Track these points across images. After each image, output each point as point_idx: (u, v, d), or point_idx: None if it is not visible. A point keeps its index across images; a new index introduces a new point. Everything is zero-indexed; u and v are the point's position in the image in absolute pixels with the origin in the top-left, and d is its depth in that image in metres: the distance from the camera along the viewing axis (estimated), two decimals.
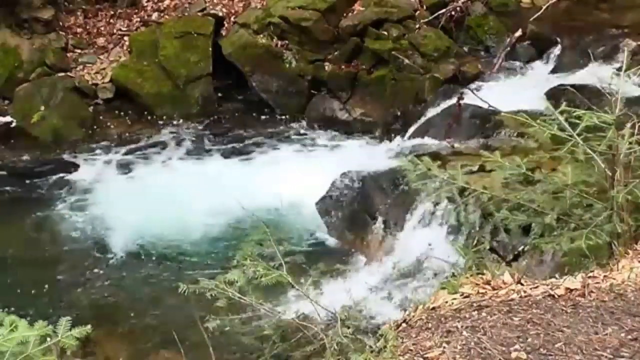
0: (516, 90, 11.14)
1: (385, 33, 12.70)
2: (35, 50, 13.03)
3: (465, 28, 12.92)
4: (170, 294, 8.33)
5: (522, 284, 4.13)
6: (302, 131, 12.69)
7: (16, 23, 13.13)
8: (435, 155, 8.34)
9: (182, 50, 13.09)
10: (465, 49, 12.85)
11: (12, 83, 12.80)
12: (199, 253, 10.05)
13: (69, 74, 13.11)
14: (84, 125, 12.76)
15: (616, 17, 12.19)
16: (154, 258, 9.99)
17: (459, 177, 5.26)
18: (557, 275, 4.36)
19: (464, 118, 10.91)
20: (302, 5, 13.04)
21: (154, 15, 13.94)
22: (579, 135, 4.78)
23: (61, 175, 11.83)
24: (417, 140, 11.10)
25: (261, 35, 13.04)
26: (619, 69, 5.77)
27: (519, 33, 12.42)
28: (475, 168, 7.47)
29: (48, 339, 3.54)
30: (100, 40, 13.70)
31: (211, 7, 13.89)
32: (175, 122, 12.94)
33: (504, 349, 3.52)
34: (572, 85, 10.50)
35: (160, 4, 14.07)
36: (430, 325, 3.80)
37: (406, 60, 12.38)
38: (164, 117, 13.00)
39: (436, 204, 8.51)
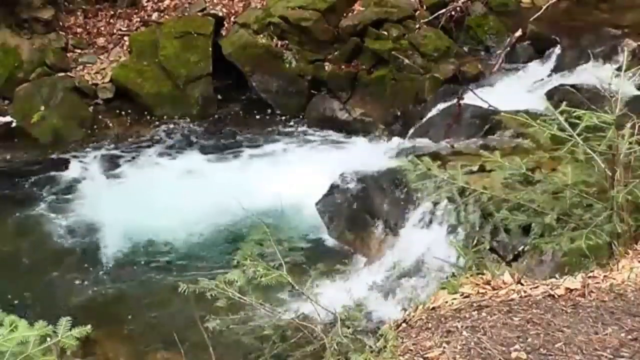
0: (516, 90, 11.15)
1: (385, 33, 12.70)
2: (35, 50, 13.03)
3: (465, 28, 12.91)
4: (171, 294, 8.33)
5: (522, 284, 4.12)
6: (302, 131, 12.68)
7: (16, 23, 13.13)
8: (435, 155, 8.34)
9: (182, 50, 13.09)
10: (465, 49, 12.85)
11: (12, 83, 12.80)
12: (199, 253, 10.05)
13: (69, 74, 13.11)
14: (84, 125, 12.76)
15: (616, 17, 12.19)
16: (154, 258, 9.99)
17: (459, 177, 5.26)
18: (557, 275, 4.36)
19: (464, 118, 10.91)
20: (302, 5, 13.04)
21: (154, 15, 13.94)
22: (579, 135, 4.77)
23: (61, 175, 11.82)
24: (417, 140, 11.10)
25: (261, 35, 13.04)
26: (619, 69, 5.77)
27: (519, 33, 12.42)
28: (475, 168, 7.47)
29: (48, 339, 3.53)
30: (100, 40, 13.70)
31: (211, 7, 13.89)
32: (175, 122, 12.94)
33: (504, 349, 3.52)
34: (572, 85, 10.51)
35: (160, 4, 14.07)
36: (430, 325, 3.80)
37: (406, 60, 12.38)
38: (164, 117, 13.00)
39: (436, 204, 8.51)
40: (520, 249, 7.55)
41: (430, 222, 8.84)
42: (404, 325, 3.92)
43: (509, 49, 12.38)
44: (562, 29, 12.23)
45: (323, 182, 10.28)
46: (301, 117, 12.96)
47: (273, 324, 4.79)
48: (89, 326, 3.63)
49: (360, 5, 13.25)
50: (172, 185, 11.32)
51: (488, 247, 6.00)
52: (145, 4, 14.10)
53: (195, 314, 4.81)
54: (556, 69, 11.67)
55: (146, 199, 11.00)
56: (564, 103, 4.95)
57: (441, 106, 11.51)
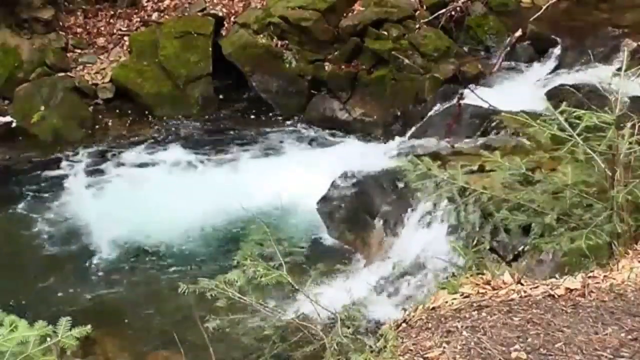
0: (516, 90, 11.15)
1: (385, 33, 12.70)
2: (35, 50, 13.03)
3: (465, 28, 12.91)
4: (171, 294, 8.33)
5: (522, 284, 4.12)
6: (302, 131, 12.68)
7: (16, 23, 13.13)
8: (435, 155, 8.35)
9: (182, 50, 13.09)
10: (465, 49, 12.84)
11: (12, 83, 12.80)
12: (199, 253, 10.05)
13: (69, 74, 13.11)
14: (84, 125, 12.76)
15: (616, 17, 12.19)
16: (154, 258, 10.00)
17: (459, 177, 5.26)
18: (557, 275, 4.36)
19: (464, 118, 10.91)
20: (302, 5, 13.04)
21: (154, 15, 13.95)
22: (579, 135, 4.77)
23: (61, 175, 11.82)
24: (417, 140, 11.10)
25: (261, 35, 13.04)
26: (619, 69, 5.77)
27: (519, 33, 12.42)
28: (475, 168, 7.47)
29: (48, 339, 3.53)
30: (100, 40, 13.70)
31: (211, 7, 13.89)
32: (175, 122, 12.94)
33: (504, 349, 3.52)
34: (572, 85, 10.50)
35: (160, 4, 14.07)
36: (430, 325, 3.80)
37: (406, 60, 12.38)
38: (164, 117, 13.00)
39: (436, 204, 8.50)
40: (520, 249, 7.55)
41: (430, 222, 8.84)
42: (404, 325, 3.92)
43: (509, 49, 12.38)
44: (562, 29, 12.23)
45: (323, 182, 10.28)
46: (301, 117, 12.96)
47: (273, 324, 4.79)
48: (89, 326, 3.63)
49: (360, 5, 13.25)
50: (172, 185, 11.32)
51: (488, 247, 6.00)
52: (145, 4, 14.10)
53: (195, 314, 4.81)
54: (556, 69, 11.68)
55: (146, 199, 11.00)
56: (564, 103, 4.95)
57: (441, 106, 11.51)
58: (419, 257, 8.60)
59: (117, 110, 13.05)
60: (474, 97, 10.71)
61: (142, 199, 11.00)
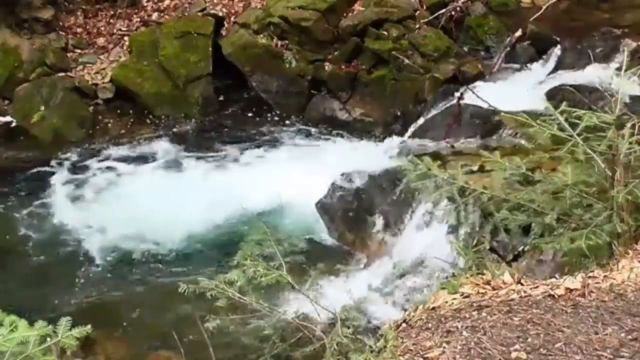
0: (516, 90, 11.14)
1: (385, 33, 12.69)
2: (35, 50, 13.03)
3: (465, 28, 12.91)
4: (171, 294, 8.31)
5: (522, 284, 4.13)
6: (302, 131, 12.68)
7: (16, 23, 13.13)
8: (435, 155, 8.34)
9: (182, 50, 13.09)
10: (465, 49, 12.84)
11: (12, 83, 12.80)
12: (198, 253, 10.05)
13: (69, 74, 13.11)
14: (84, 125, 12.76)
15: (616, 17, 12.18)
16: (154, 258, 10.00)
17: (459, 177, 5.26)
18: (557, 275, 4.36)
19: (464, 118, 10.91)
20: (302, 5, 13.04)
21: (154, 15, 13.94)
22: (579, 135, 4.77)
23: (60, 175, 11.82)
24: (417, 140, 11.09)
25: (261, 35, 13.04)
26: (619, 69, 5.77)
27: (519, 33, 12.41)
28: (475, 168, 7.47)
29: (48, 339, 3.53)
30: (100, 40, 13.70)
31: (211, 7, 13.89)
32: (175, 122, 12.94)
33: (504, 349, 3.52)
34: (572, 85, 10.50)
35: (160, 4, 14.07)
36: (430, 325, 3.80)
37: (406, 60, 12.38)
38: (164, 117, 13.00)
39: (436, 203, 8.50)
40: (520, 249, 7.55)
41: (430, 222, 8.84)
42: (404, 325, 3.92)
43: (509, 49, 12.37)
44: (562, 29, 12.22)
45: (323, 182, 10.28)
46: (301, 117, 12.96)
47: (273, 324, 4.79)
48: (89, 326, 3.63)
49: (360, 5, 13.25)
50: (172, 185, 11.33)
51: (488, 247, 6.00)
52: (145, 4, 14.10)
53: (195, 314, 4.82)
54: (556, 69, 11.67)
55: (147, 198, 11.01)
56: (564, 103, 4.95)
57: (441, 106, 11.50)
58: (419, 257, 8.60)
59: (117, 110, 13.05)
60: (474, 97, 10.70)
61: (142, 199, 11.01)
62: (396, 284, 8.53)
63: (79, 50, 13.50)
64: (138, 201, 10.94)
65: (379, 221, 9.63)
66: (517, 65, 12.18)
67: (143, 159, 12.13)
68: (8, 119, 12.56)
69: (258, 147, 12.29)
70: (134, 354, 8.49)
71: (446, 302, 4.02)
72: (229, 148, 12.29)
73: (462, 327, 3.70)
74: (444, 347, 3.55)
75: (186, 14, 13.79)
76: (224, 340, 5.86)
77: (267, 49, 12.97)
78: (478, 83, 11.78)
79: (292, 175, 10.80)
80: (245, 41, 13.06)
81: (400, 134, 11.73)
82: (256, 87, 13.10)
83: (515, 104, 9.52)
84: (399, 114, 12.33)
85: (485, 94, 10.68)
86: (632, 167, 4.86)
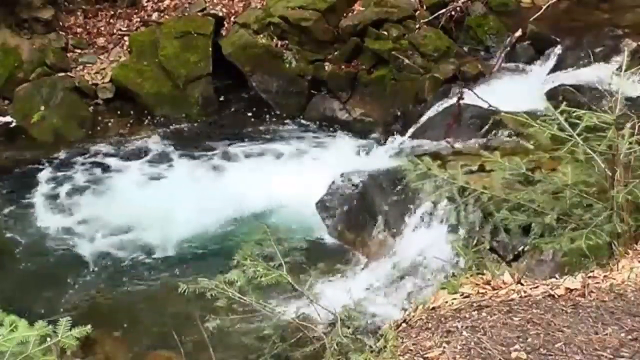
0: (516, 90, 11.13)
1: (385, 33, 12.69)
2: (35, 50, 13.02)
3: (465, 28, 12.90)
4: (171, 294, 8.32)
5: (522, 284, 4.13)
6: (302, 131, 12.68)
7: (16, 23, 13.12)
8: (435, 155, 8.35)
9: (182, 50, 13.08)
10: (465, 49, 12.83)
11: (12, 83, 12.80)
12: (199, 252, 10.05)
13: (69, 74, 13.10)
14: (84, 125, 12.76)
15: (616, 17, 12.17)
16: (153, 258, 10.00)
17: (459, 177, 5.26)
18: (557, 275, 4.36)
19: (464, 118, 10.90)
20: (302, 5, 13.04)
21: (154, 15, 13.94)
22: (579, 135, 4.77)
23: (60, 175, 11.82)
24: (417, 140, 11.09)
25: (261, 35, 13.04)
26: (619, 69, 5.77)
27: (519, 33, 12.41)
28: (475, 168, 7.47)
29: (48, 339, 3.54)
30: (100, 40, 13.70)
31: (211, 7, 13.88)
32: (175, 122, 12.93)
33: (504, 349, 3.52)
34: (572, 85, 10.50)
35: (160, 4, 14.07)
36: (430, 325, 3.80)
37: (406, 60, 12.38)
38: (164, 117, 13.00)
39: (436, 203, 8.51)
40: (520, 249, 7.55)
41: (430, 222, 8.84)
42: (404, 325, 3.93)
43: (509, 49, 12.36)
44: (562, 29, 12.21)
45: (323, 182, 10.28)
46: (301, 117, 12.96)
47: (273, 324, 4.79)
48: (89, 326, 3.63)
49: (360, 5, 13.25)
50: (172, 185, 11.33)
51: (488, 247, 6.00)
52: (145, 4, 14.10)
53: (195, 314, 4.82)
54: (556, 69, 11.66)
55: (147, 198, 11.01)
56: (564, 103, 4.95)
57: (441, 106, 11.50)
58: (419, 257, 8.60)
59: (117, 111, 13.05)
60: (474, 97, 10.71)
61: (142, 199, 11.01)
62: (396, 283, 8.53)
63: (79, 50, 13.50)
64: (138, 201, 10.94)
65: (379, 221, 9.63)
66: (517, 65, 12.18)
67: (143, 159, 12.12)
68: (8, 119, 12.55)
69: (258, 147, 12.28)
70: (134, 354, 8.49)
71: (446, 302, 4.02)
72: (229, 148, 12.29)
73: (462, 327, 3.70)
74: (444, 347, 3.55)
75: (186, 14, 13.79)
76: (224, 340, 5.87)
77: (267, 49, 12.96)
78: (478, 83, 11.78)
79: (292, 175, 10.80)
80: (245, 41, 13.06)
81: (400, 134, 11.72)
82: (256, 87, 13.10)
83: (515, 104, 9.52)
84: (399, 114, 12.33)
85: (485, 94, 10.68)
86: (632, 167, 4.86)
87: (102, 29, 13.82)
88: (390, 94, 12.48)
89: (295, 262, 5.00)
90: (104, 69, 13.27)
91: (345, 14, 13.16)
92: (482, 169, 7.28)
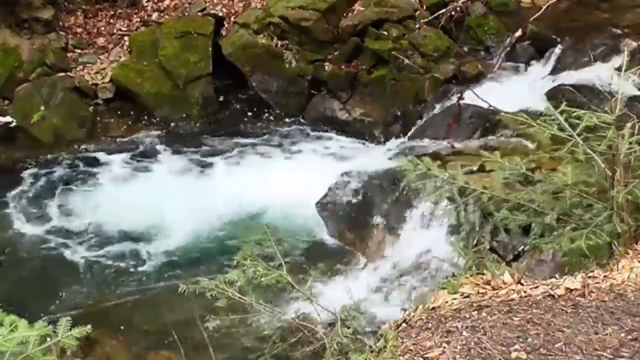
0: (516, 90, 11.14)
1: (385, 33, 12.69)
2: (35, 50, 13.02)
3: (465, 28, 12.90)
4: (170, 294, 8.34)
5: (522, 284, 4.13)
6: (302, 131, 12.68)
7: (16, 23, 13.13)
8: (435, 155, 8.36)
9: (182, 50, 13.09)
10: (465, 49, 12.83)
11: (12, 83, 12.80)
12: (199, 252, 10.06)
13: (69, 74, 13.11)
14: (84, 125, 12.76)
15: (616, 17, 12.17)
16: (153, 258, 10.00)
17: (459, 177, 5.26)
18: (557, 275, 4.36)
19: (464, 118, 10.91)
20: (302, 5, 13.04)
21: (154, 15, 13.94)
22: (579, 135, 4.77)
23: (60, 175, 11.82)
24: (417, 141, 11.10)
25: (261, 35, 13.04)
26: (619, 69, 5.77)
27: (519, 33, 12.41)
28: (475, 168, 7.48)
29: (48, 339, 3.53)
30: (100, 40, 13.70)
31: (211, 7, 13.89)
32: (175, 122, 12.94)
33: (504, 349, 3.52)
34: (572, 85, 10.50)
35: (160, 4, 14.07)
36: (430, 325, 3.80)
37: (406, 60, 12.38)
38: (164, 117, 13.00)
39: (436, 204, 8.51)
40: (520, 249, 7.55)
41: (430, 222, 8.84)
42: (404, 325, 3.92)
43: (509, 49, 12.37)
44: (562, 29, 12.21)
45: (323, 182, 10.28)
46: (301, 117, 12.96)
47: (273, 324, 4.79)
48: (89, 326, 3.62)
49: (360, 5, 13.25)
50: (172, 185, 11.33)
51: (488, 247, 6.00)
52: (145, 4, 14.10)
53: (195, 314, 4.82)
54: (556, 69, 11.66)
55: (147, 199, 11.01)
56: (564, 103, 4.95)
57: (441, 106, 11.50)
58: (419, 257, 8.60)
59: (117, 111, 13.05)
60: (474, 97, 10.71)
61: (142, 199, 11.01)
62: (396, 283, 8.53)
63: (79, 50, 13.51)
64: (138, 201, 10.94)
65: (379, 221, 9.63)
66: (517, 65, 12.18)
67: (143, 159, 12.12)
68: (8, 119, 12.56)
69: (258, 147, 12.29)
70: (134, 354, 8.49)
71: (446, 302, 4.02)
72: (228, 148, 12.29)
73: (462, 327, 3.70)
74: (444, 347, 3.55)
75: (186, 14, 13.79)
76: (224, 340, 5.86)
77: (267, 49, 12.97)
78: (478, 83, 11.78)
79: (292, 175, 10.81)
80: (245, 41, 13.06)
81: (401, 134, 11.73)
82: (256, 87, 13.10)
83: (515, 104, 9.53)
84: (399, 114, 12.33)
85: (485, 94, 10.68)
86: (632, 167, 4.85)
87: (102, 29, 13.82)
88: (390, 94, 12.48)
89: (295, 262, 5.00)
90: (104, 69, 13.28)
91: (345, 14, 13.16)
92: (482, 169, 7.28)
